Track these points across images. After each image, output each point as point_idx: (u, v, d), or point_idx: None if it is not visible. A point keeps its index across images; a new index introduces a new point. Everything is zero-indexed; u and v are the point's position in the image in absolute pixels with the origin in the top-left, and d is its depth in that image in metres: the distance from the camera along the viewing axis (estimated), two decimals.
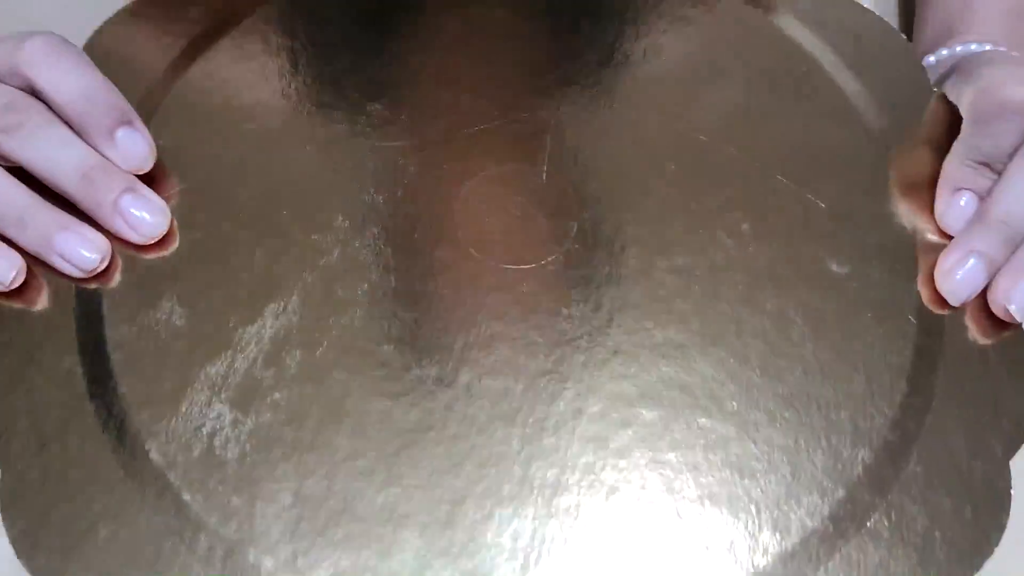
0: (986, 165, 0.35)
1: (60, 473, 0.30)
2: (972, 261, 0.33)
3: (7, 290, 0.33)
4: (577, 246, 0.34)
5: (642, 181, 0.36)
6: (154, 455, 0.30)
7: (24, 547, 0.29)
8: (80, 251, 0.33)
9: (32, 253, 0.33)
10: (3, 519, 0.29)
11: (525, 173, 0.36)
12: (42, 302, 0.33)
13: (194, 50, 0.39)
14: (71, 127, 0.34)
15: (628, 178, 0.36)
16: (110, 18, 0.39)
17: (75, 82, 0.33)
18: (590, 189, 0.36)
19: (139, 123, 0.34)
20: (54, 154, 0.33)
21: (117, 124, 0.34)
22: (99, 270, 0.33)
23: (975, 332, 0.33)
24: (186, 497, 0.30)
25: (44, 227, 0.33)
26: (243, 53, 0.39)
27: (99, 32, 0.39)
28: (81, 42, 0.37)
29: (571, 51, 0.39)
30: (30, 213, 0.33)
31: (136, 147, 0.34)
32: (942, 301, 0.34)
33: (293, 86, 0.38)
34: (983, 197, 0.35)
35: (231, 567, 0.29)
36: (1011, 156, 0.34)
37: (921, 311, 0.34)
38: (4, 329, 0.33)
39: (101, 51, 0.38)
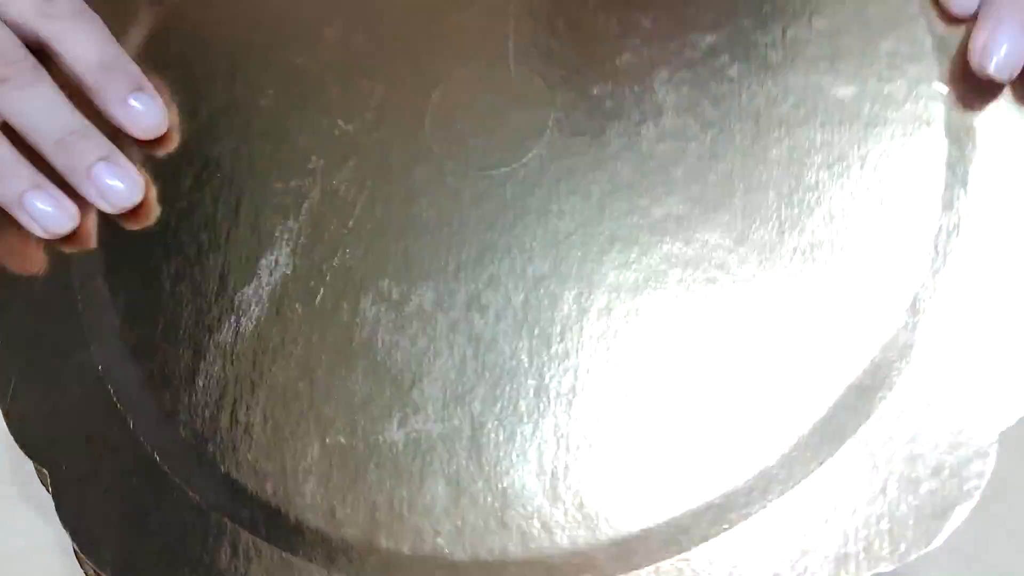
0: None
1: (103, 470, 0.31)
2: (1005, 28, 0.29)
3: None
4: (556, 136, 0.33)
5: (613, 47, 0.33)
6: (184, 432, 0.31)
7: (86, 545, 0.31)
8: (48, 211, 0.33)
9: (2, 206, 0.34)
10: (64, 526, 0.31)
11: (492, 69, 0.34)
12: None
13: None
14: (87, 91, 0.34)
15: (598, 49, 0.34)
16: None
17: (95, 51, 0.34)
18: (560, 73, 0.34)
19: (151, 90, 0.35)
20: (35, 114, 0.33)
21: (131, 91, 0.34)
22: (63, 234, 0.34)
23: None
24: (222, 468, 0.31)
25: (17, 183, 0.33)
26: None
27: None
28: None
29: None
30: (7, 167, 0.33)
31: (149, 112, 0.35)
32: (975, 94, 0.30)
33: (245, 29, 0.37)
34: None
35: (275, 531, 0.30)
36: None
37: (950, 119, 0.31)
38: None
39: None
